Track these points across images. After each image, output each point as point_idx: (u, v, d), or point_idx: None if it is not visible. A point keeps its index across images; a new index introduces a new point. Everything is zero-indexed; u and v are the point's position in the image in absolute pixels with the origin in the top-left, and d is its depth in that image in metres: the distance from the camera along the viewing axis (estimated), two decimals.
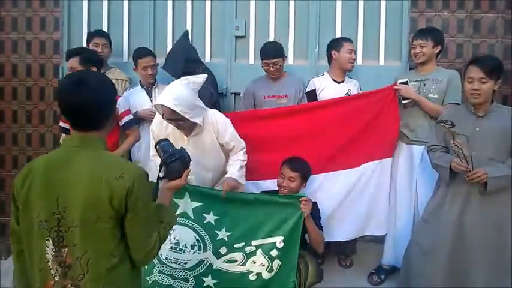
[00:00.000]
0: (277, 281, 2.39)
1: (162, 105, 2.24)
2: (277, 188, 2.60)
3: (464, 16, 3.31)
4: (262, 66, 2.98)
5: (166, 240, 2.32)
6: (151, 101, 3.09)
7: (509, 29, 3.29)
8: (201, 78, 2.43)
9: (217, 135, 2.45)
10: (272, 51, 2.94)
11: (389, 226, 2.91)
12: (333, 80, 3.03)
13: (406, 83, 2.81)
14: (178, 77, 2.99)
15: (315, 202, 2.62)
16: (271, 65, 2.93)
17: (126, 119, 2.81)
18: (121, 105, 2.78)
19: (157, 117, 2.47)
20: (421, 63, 2.85)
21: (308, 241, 2.53)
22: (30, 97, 3.53)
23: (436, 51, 2.83)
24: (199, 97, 2.43)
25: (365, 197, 2.88)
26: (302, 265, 2.44)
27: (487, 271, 2.29)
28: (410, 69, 3.18)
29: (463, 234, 2.33)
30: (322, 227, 2.60)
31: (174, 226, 2.38)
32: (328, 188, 2.86)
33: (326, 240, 2.75)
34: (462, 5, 3.30)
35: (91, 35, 3.22)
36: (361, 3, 3.39)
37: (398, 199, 2.88)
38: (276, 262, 2.38)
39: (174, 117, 2.26)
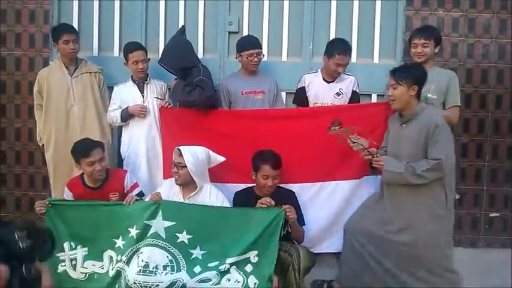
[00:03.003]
0: None
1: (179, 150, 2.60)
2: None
3: (459, 15, 3.29)
4: (247, 58, 2.93)
5: (134, 263, 2.28)
6: (143, 96, 3.04)
7: (504, 29, 3.28)
8: (218, 160, 2.69)
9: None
10: (256, 42, 2.97)
11: None
12: (324, 79, 3.01)
13: None
14: (177, 72, 2.95)
15: (293, 192, 2.69)
16: (255, 55, 2.92)
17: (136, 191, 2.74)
18: (129, 179, 2.76)
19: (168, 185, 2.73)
20: (421, 63, 2.79)
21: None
22: (19, 91, 3.46)
23: (436, 51, 2.82)
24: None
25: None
26: (293, 251, 2.41)
27: (397, 268, 2.47)
28: None
29: (386, 232, 2.49)
30: (303, 216, 2.65)
31: (143, 248, 2.33)
32: (321, 198, 2.85)
33: (316, 251, 2.77)
34: (458, 3, 3.28)
35: (58, 32, 2.96)
36: (356, 1, 3.34)
37: None
38: (252, 279, 2.28)
39: (178, 161, 2.56)
